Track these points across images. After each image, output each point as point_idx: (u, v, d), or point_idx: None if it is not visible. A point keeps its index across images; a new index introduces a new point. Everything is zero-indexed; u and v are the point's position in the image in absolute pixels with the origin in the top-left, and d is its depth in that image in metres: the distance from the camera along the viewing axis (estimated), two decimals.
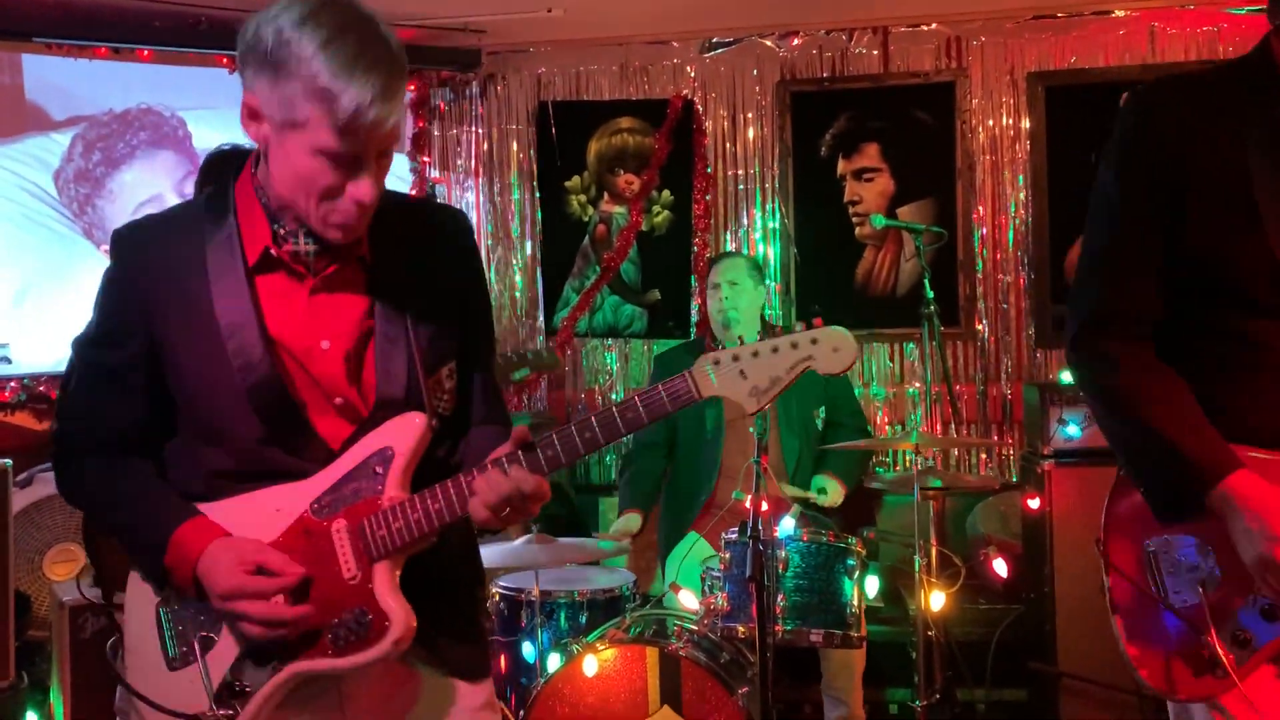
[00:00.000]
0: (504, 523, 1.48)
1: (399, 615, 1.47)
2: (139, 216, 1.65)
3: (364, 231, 1.52)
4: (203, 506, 1.55)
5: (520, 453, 1.46)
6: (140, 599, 1.59)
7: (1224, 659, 1.47)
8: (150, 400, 1.56)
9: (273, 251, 1.52)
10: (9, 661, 2.95)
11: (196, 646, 1.52)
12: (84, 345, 1.60)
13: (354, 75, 1.37)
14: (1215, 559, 1.51)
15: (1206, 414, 1.55)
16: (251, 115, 1.46)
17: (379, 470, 1.50)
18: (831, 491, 3.63)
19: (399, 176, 4.94)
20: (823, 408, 3.80)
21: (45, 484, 3.92)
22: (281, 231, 1.52)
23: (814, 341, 1.47)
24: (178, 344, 1.53)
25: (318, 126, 1.39)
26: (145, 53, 4.49)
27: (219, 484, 1.55)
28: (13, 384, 4.22)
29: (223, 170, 2.81)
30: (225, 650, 1.52)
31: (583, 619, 3.21)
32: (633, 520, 3.70)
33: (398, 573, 1.50)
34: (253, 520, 1.53)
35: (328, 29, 1.38)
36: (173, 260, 1.53)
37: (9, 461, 3.02)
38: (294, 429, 1.52)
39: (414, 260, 1.59)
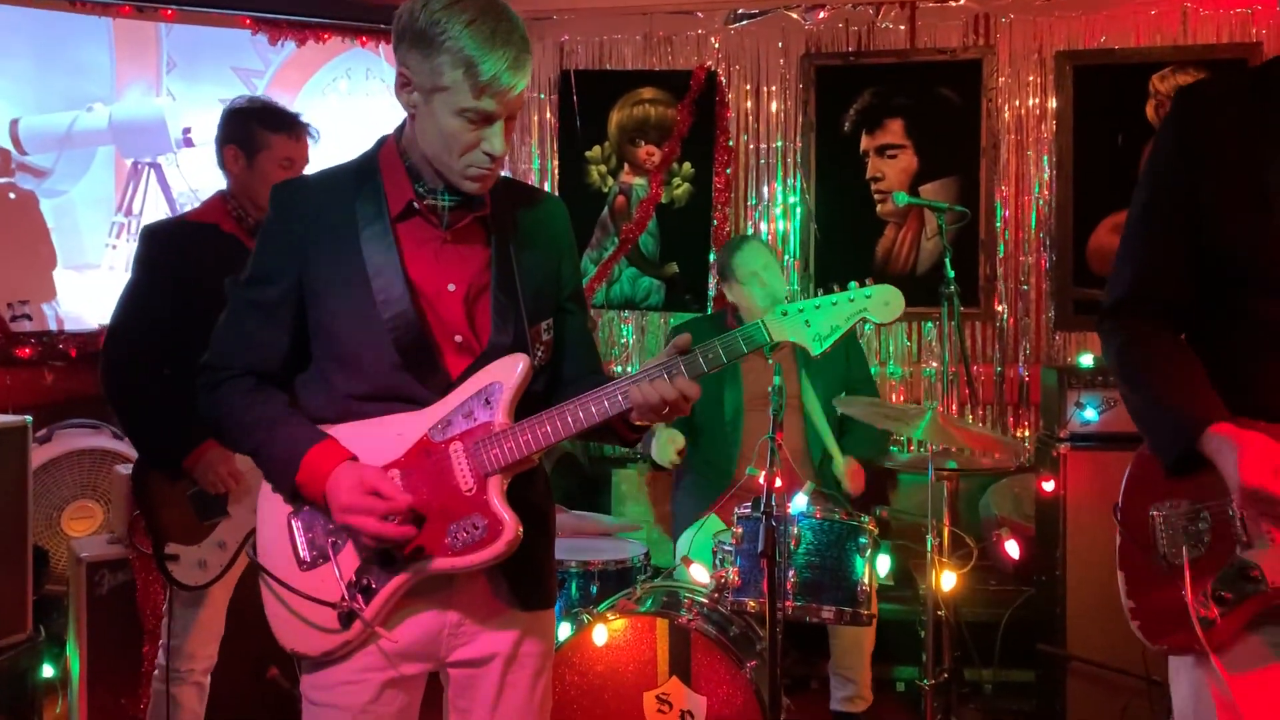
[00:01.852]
0: (664, 419, 1.72)
1: (510, 521, 1.70)
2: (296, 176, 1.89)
3: (491, 185, 1.78)
4: (333, 429, 1.77)
5: (681, 361, 1.70)
6: (273, 510, 1.81)
7: (1192, 612, 1.63)
8: (293, 334, 1.79)
9: (415, 204, 1.77)
10: (27, 615, 2.98)
11: (331, 549, 1.75)
12: (239, 285, 1.83)
13: (493, 48, 1.63)
14: (1210, 523, 1.67)
15: (1227, 392, 1.68)
16: (404, 84, 1.72)
17: (490, 401, 1.73)
18: (850, 476, 3.64)
19: None
20: (844, 391, 3.79)
21: (64, 440, 3.96)
22: (422, 189, 1.77)
23: (868, 295, 1.74)
24: (327, 283, 1.76)
25: (460, 90, 1.65)
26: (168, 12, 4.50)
27: (351, 406, 1.77)
28: (33, 341, 4.25)
29: (244, 122, 2.82)
30: (352, 554, 1.75)
31: (594, 589, 3.23)
32: (676, 435, 3.70)
33: (505, 486, 1.72)
34: (378, 443, 1.75)
35: (471, 11, 1.65)
36: (326, 211, 1.78)
37: (29, 418, 3.04)
38: (424, 359, 1.75)
39: (525, 228, 1.86)
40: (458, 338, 1.78)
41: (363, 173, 1.81)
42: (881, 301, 1.72)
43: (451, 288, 1.78)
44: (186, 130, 4.60)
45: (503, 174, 1.84)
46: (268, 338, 1.80)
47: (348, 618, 1.73)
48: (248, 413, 1.79)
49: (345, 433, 1.77)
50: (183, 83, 4.61)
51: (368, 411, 1.77)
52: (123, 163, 4.54)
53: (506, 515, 1.70)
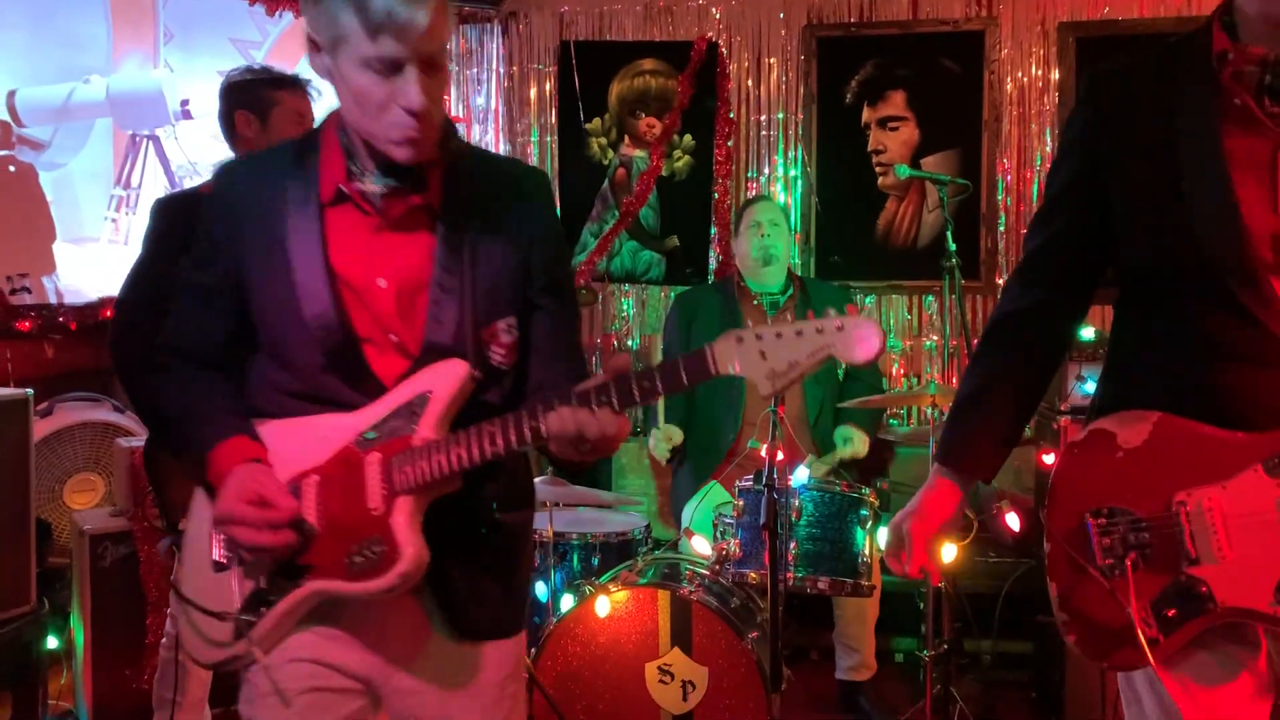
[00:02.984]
0: (587, 458, 1.51)
1: (410, 550, 1.52)
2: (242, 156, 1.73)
3: (427, 150, 1.55)
4: (265, 425, 1.63)
5: (613, 387, 1.45)
6: (201, 502, 1.69)
7: (1140, 632, 1.51)
8: (232, 320, 1.65)
9: (344, 188, 1.58)
10: (30, 588, 2.99)
11: (238, 553, 1.61)
12: (185, 265, 1.71)
13: None
14: (1149, 534, 1.54)
15: (1155, 392, 1.57)
16: (312, 47, 1.53)
17: (416, 412, 1.56)
18: (856, 440, 3.65)
19: None
20: (841, 366, 3.81)
21: (66, 413, 3.95)
22: (354, 169, 1.58)
23: (840, 329, 1.41)
24: (255, 271, 1.61)
25: (357, 37, 1.45)
26: None
27: (286, 402, 1.63)
28: (33, 314, 4.24)
29: (250, 86, 2.76)
30: (261, 563, 1.60)
31: (595, 561, 3.25)
32: (674, 431, 3.78)
33: (420, 511, 1.55)
34: (303, 444, 1.60)
35: None
36: (259, 194, 1.63)
37: (30, 391, 3.04)
38: (350, 362, 1.59)
39: (483, 212, 1.63)
40: (393, 338, 1.60)
41: (303, 151, 1.64)
42: (854, 339, 1.40)
43: (382, 283, 1.59)
44: (185, 102, 4.57)
45: (477, 145, 1.69)
46: (205, 324, 1.67)
47: (238, 629, 1.58)
48: (175, 403, 1.68)
49: (274, 430, 1.63)
50: (180, 54, 4.57)
51: (301, 410, 1.62)
52: (121, 135, 4.51)
53: (406, 544, 1.51)
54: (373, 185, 1.57)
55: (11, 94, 4.25)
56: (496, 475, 1.62)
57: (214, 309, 1.66)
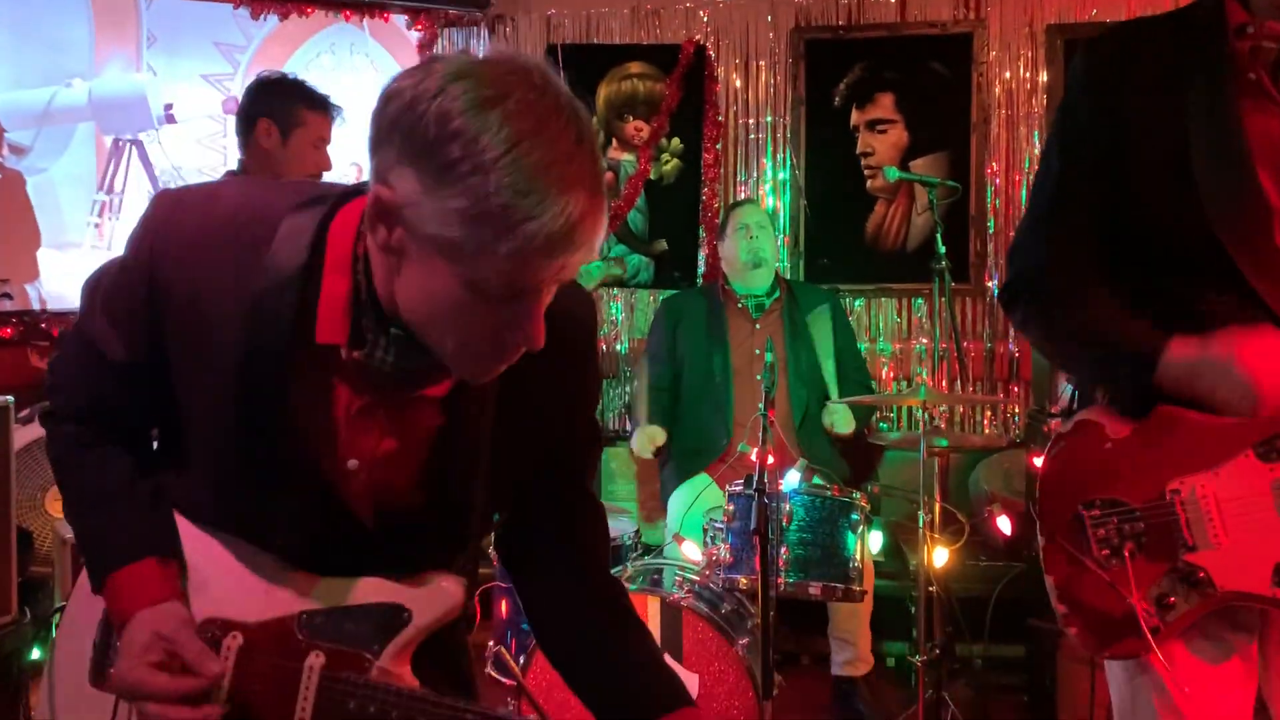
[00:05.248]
0: None
1: None
2: (183, 186, 1.29)
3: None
4: (188, 529, 1.30)
5: None
6: (83, 597, 1.33)
7: (1143, 621, 1.50)
8: (147, 394, 1.27)
9: (343, 355, 1.16)
10: (11, 597, 2.96)
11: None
12: (94, 293, 1.30)
13: (549, 191, 0.98)
14: (1145, 523, 1.53)
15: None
16: (382, 214, 1.05)
17: (385, 629, 1.23)
18: (842, 416, 3.65)
19: None
20: (831, 360, 3.80)
21: None
22: (365, 325, 1.14)
23: None
24: (188, 386, 1.23)
25: (486, 256, 1.00)
26: None
27: (210, 516, 1.30)
28: (15, 321, 4.20)
29: (285, 95, 2.55)
30: None
31: None
32: (657, 432, 3.74)
33: None
34: (231, 577, 1.27)
35: (522, 119, 0.98)
36: (209, 285, 1.17)
37: (11, 398, 3.01)
38: (308, 542, 1.26)
39: (514, 380, 1.18)
40: (355, 519, 1.26)
41: (289, 251, 1.15)
42: None
43: (353, 464, 1.22)
44: (168, 106, 4.53)
45: None
46: (108, 390, 1.28)
47: None
48: (76, 480, 1.32)
49: (198, 542, 1.28)
50: (164, 58, 4.54)
51: (229, 537, 1.28)
52: (103, 140, 4.47)
53: None
54: (384, 355, 1.15)
55: None
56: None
57: (127, 384, 1.26)
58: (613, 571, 1.51)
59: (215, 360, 1.18)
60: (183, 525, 1.30)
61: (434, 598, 1.24)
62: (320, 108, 2.75)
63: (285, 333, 1.15)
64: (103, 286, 1.26)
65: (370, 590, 1.24)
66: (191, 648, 1.20)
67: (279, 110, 2.72)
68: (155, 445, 1.36)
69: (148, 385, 1.24)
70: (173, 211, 1.21)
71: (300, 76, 2.80)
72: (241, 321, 1.16)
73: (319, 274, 1.15)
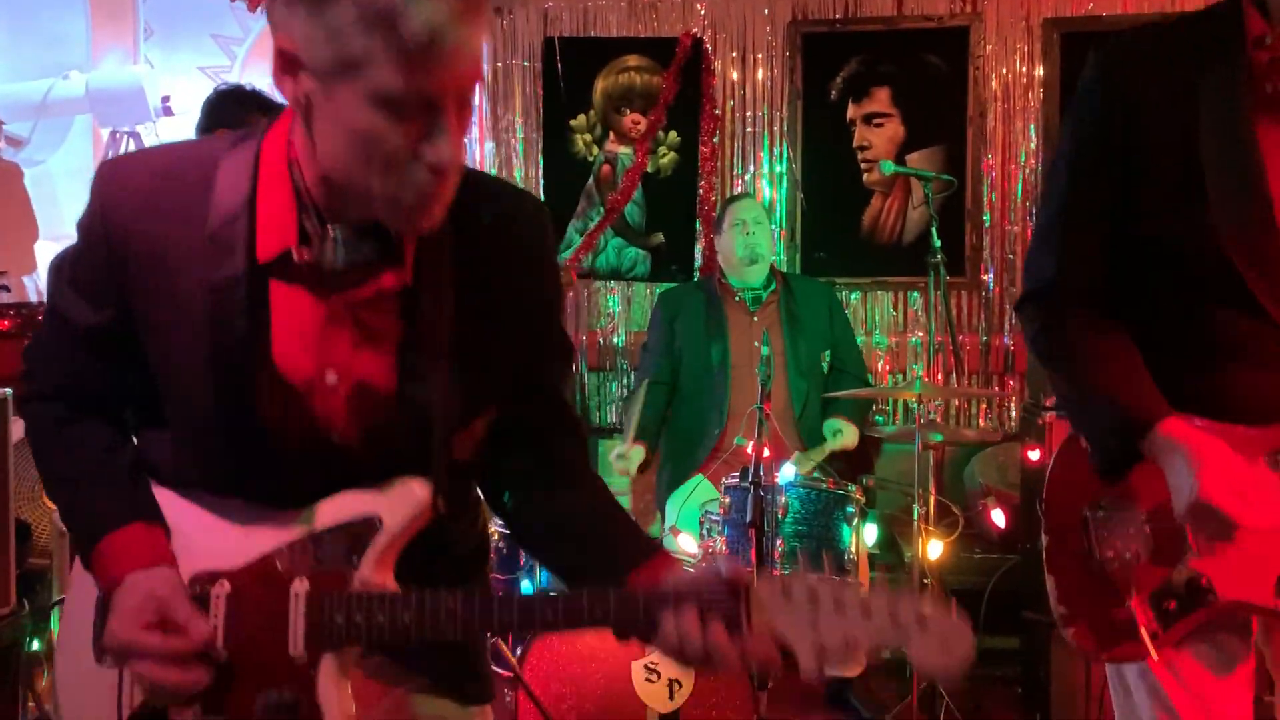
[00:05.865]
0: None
1: (335, 716, 1.22)
2: (131, 152, 1.38)
3: (442, 215, 1.18)
4: (165, 495, 1.32)
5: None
6: (86, 584, 1.34)
7: (1142, 625, 1.49)
8: (118, 363, 1.31)
9: (294, 256, 1.21)
10: (10, 588, 2.96)
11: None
12: (58, 274, 1.37)
13: None
14: (1150, 528, 1.52)
15: (1164, 393, 1.51)
16: (286, 66, 1.12)
17: (359, 541, 1.24)
18: (846, 431, 3.65)
19: None
20: (828, 351, 3.82)
21: None
22: (308, 228, 1.20)
23: (921, 624, 1.14)
24: (157, 341, 1.26)
25: (379, 62, 1.06)
26: None
27: (188, 479, 1.32)
28: (12, 313, 4.20)
29: (234, 114, 2.48)
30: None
31: None
32: (636, 453, 3.71)
33: (349, 666, 1.25)
34: (211, 530, 1.29)
35: None
36: (163, 234, 1.22)
37: (9, 391, 3.01)
38: (275, 472, 1.27)
39: (470, 282, 1.26)
40: (337, 439, 1.27)
41: (229, 182, 1.22)
42: (937, 641, 1.15)
43: (332, 379, 1.24)
44: (165, 99, 4.53)
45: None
46: (80, 362, 1.31)
47: None
48: (57, 456, 1.34)
49: (175, 506, 1.31)
50: (161, 50, 4.54)
51: (205, 496, 1.30)
52: (100, 132, 4.48)
53: (330, 707, 1.22)
54: (333, 257, 1.20)
55: None
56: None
57: (97, 353, 1.30)
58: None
59: (183, 306, 1.22)
60: (157, 492, 1.32)
61: (401, 500, 1.26)
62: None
63: (243, 258, 1.20)
64: (66, 262, 1.33)
65: (340, 507, 1.27)
66: (183, 610, 1.22)
67: (236, 120, 2.72)
68: (131, 416, 1.39)
69: (120, 352, 1.28)
70: (115, 173, 1.29)
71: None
72: (202, 262, 1.21)
73: (252, 185, 1.22)
